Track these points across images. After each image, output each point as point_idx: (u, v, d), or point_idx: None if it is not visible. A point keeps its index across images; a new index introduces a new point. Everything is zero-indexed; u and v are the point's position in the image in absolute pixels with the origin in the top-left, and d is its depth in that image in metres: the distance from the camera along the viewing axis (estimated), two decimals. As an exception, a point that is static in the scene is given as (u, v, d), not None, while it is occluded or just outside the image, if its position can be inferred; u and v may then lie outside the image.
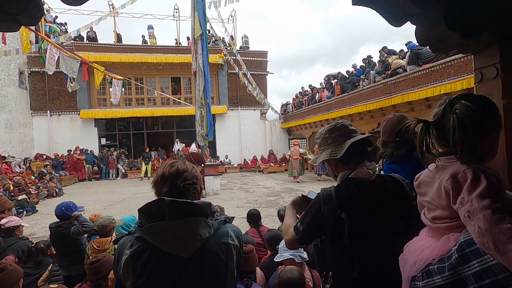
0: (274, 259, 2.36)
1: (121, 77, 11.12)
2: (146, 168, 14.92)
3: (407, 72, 8.21)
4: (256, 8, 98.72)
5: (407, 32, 1.66)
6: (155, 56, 16.57)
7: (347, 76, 13.13)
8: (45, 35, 11.32)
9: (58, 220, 3.12)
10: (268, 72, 19.51)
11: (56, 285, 2.50)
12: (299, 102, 17.91)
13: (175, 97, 16.49)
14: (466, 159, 0.88)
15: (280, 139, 19.47)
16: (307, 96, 17.05)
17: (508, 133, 1.21)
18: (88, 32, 16.25)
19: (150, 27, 18.29)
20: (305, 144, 17.45)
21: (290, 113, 18.65)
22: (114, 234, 3.07)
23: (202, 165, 9.48)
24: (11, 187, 9.08)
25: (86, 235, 3.24)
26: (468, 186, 0.83)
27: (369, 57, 12.04)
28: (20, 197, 8.28)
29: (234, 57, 16.36)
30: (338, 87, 13.00)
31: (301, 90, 18.73)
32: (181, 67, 17.14)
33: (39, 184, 10.51)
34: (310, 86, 17.52)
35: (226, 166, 16.84)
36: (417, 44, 6.91)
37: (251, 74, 16.48)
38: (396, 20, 1.47)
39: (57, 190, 10.87)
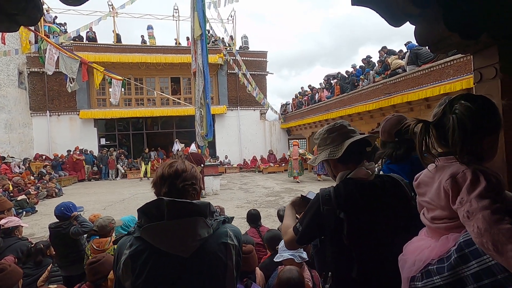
0: (274, 259, 2.36)
1: (120, 77, 11.12)
2: (146, 169, 14.91)
3: (406, 72, 8.21)
4: (255, 8, 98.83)
5: (407, 32, 1.66)
6: (154, 56, 16.57)
7: (347, 76, 13.14)
8: (44, 35, 11.32)
9: (57, 220, 3.12)
10: (267, 72, 19.52)
11: (55, 286, 2.50)
12: (298, 102, 17.92)
13: (174, 97, 16.48)
14: (465, 159, 0.88)
15: (280, 139, 19.48)
16: (306, 96, 17.06)
17: (507, 134, 1.21)
18: (87, 32, 16.24)
19: (149, 27, 18.29)
20: (305, 144, 17.46)
21: (290, 113, 18.66)
22: (113, 234, 3.07)
23: (202, 165, 9.48)
24: (11, 188, 9.08)
25: (85, 235, 3.24)
26: (467, 187, 0.83)
27: (368, 57, 12.05)
28: (19, 198, 8.27)
29: (234, 57, 16.37)
30: (337, 87, 13.01)
31: (300, 90, 18.75)
32: (181, 67, 17.14)
33: (39, 184, 10.50)
34: (309, 86, 17.53)
35: (226, 166, 16.84)
36: (416, 44, 6.92)
37: (250, 74, 16.50)
38: (395, 20, 1.47)
39: (56, 190, 10.86)
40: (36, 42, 11.51)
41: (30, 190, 9.37)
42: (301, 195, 1.51)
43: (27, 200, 8.38)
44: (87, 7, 18.70)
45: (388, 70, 9.56)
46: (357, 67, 12.65)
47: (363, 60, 12.27)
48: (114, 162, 15.57)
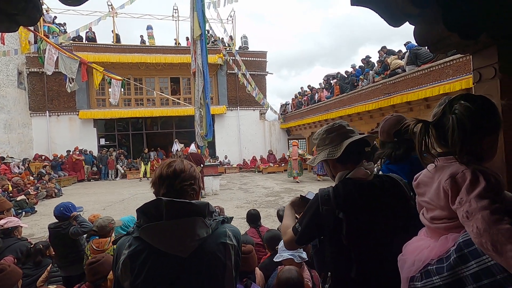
0: (274, 259, 2.36)
1: (120, 78, 11.11)
2: (145, 169, 14.91)
3: (406, 72, 8.22)
4: (255, 8, 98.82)
5: (407, 32, 1.66)
6: (154, 56, 16.57)
7: (346, 76, 13.15)
8: (44, 35, 11.31)
9: (57, 220, 3.12)
10: (267, 72, 19.53)
11: (55, 286, 2.50)
12: (298, 102, 17.93)
13: (174, 98, 16.47)
14: (465, 159, 0.88)
15: (280, 139, 19.48)
16: (306, 96, 17.07)
17: (506, 134, 1.21)
18: (87, 32, 16.23)
19: (149, 28, 18.28)
20: (305, 144, 17.47)
21: (290, 113, 18.66)
22: (113, 234, 3.06)
23: (202, 165, 9.48)
24: (10, 188, 9.07)
25: (85, 235, 3.24)
26: (466, 187, 0.83)
27: (368, 57, 12.06)
28: (19, 198, 8.26)
29: (233, 57, 16.37)
30: (337, 87, 13.02)
31: (300, 90, 18.76)
32: (180, 67, 17.14)
33: (38, 184, 10.49)
34: (309, 86, 17.55)
35: (226, 166, 16.84)
36: (416, 44, 6.92)
37: (250, 74, 16.50)
38: (394, 20, 1.47)
39: (56, 190, 10.85)
40: (35, 42, 11.50)
41: (29, 190, 9.37)
42: (300, 195, 1.51)
43: (27, 201, 8.37)
44: (86, 7, 18.73)
45: (388, 70, 9.57)
46: (357, 67, 12.66)
47: (362, 60, 12.28)
48: (113, 162, 15.57)
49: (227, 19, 18.64)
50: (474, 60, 1.45)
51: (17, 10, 1.26)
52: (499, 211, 0.74)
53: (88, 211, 6.40)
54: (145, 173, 14.89)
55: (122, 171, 15.75)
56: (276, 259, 2.31)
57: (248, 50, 19.27)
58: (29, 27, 8.83)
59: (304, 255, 2.27)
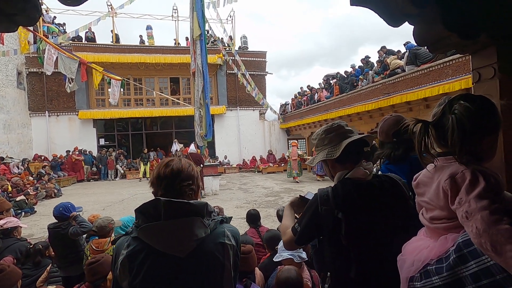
0: (273, 259, 2.36)
1: (119, 78, 11.11)
2: (145, 169, 14.90)
3: (405, 72, 8.22)
4: (255, 8, 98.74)
5: (407, 32, 1.66)
6: (153, 56, 16.57)
7: (346, 76, 13.16)
8: (43, 35, 11.30)
9: (56, 221, 3.12)
10: (267, 72, 19.53)
11: (54, 286, 2.50)
12: (298, 102, 17.94)
13: (174, 98, 16.46)
14: (464, 159, 0.88)
15: (279, 139, 19.49)
16: (306, 96, 17.08)
17: (506, 134, 1.21)
18: (86, 32, 16.22)
19: (148, 28, 18.27)
20: (304, 144, 17.47)
21: (289, 113, 18.67)
22: (113, 235, 3.06)
23: (201, 165, 9.48)
24: (10, 188, 9.06)
25: (84, 236, 3.24)
26: (466, 187, 0.83)
27: (367, 57, 12.08)
28: (18, 198, 8.25)
29: (233, 58, 16.37)
30: (336, 87, 13.02)
31: (300, 90, 18.77)
32: (180, 67, 17.14)
33: (38, 185, 10.48)
34: (308, 86, 17.56)
35: (225, 166, 16.84)
36: (415, 44, 6.93)
37: (250, 74, 16.49)
38: (394, 20, 1.47)
39: (55, 191, 10.85)
40: (35, 42, 11.49)
41: (29, 190, 9.36)
42: (300, 195, 1.51)
43: (26, 201, 8.36)
44: (86, 7, 18.73)
45: (387, 70, 9.57)
46: (356, 67, 12.67)
47: (362, 60, 12.29)
48: (113, 163, 15.56)
49: (227, 19, 18.65)
50: (473, 60, 1.45)
51: (16, 10, 1.26)
52: (499, 212, 0.74)
53: (88, 211, 6.39)
54: (144, 173, 14.88)
55: (122, 171, 15.74)
56: (276, 259, 2.31)
57: (248, 50, 19.27)
58: (29, 27, 8.82)
59: (304, 255, 2.27)
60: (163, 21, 20.29)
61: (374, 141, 1.53)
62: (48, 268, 3.02)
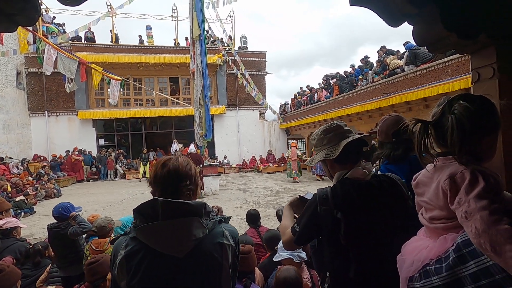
0: (273, 259, 2.36)
1: (119, 78, 11.11)
2: (144, 169, 14.88)
3: (405, 72, 8.23)
4: (254, 8, 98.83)
5: (406, 32, 1.66)
6: (153, 56, 16.56)
7: (345, 76, 13.16)
8: (42, 35, 11.30)
9: (56, 221, 3.11)
10: (266, 72, 19.53)
11: (54, 286, 2.50)
12: (297, 102, 17.94)
13: (173, 98, 16.46)
14: (464, 159, 0.88)
15: (279, 139, 19.49)
16: (305, 96, 17.09)
17: (505, 134, 1.21)
18: (86, 32, 16.21)
19: (148, 28, 18.26)
20: (304, 144, 17.48)
21: (289, 113, 18.68)
22: (112, 235, 3.06)
23: (201, 165, 9.48)
24: (9, 188, 9.05)
25: (84, 236, 3.24)
26: (465, 187, 0.83)
27: (366, 57, 12.08)
28: (18, 198, 8.24)
29: (233, 58, 16.37)
30: (336, 87, 13.03)
31: (299, 90, 18.77)
32: (180, 67, 17.13)
33: (37, 185, 10.47)
34: (308, 86, 17.56)
35: (225, 166, 16.83)
36: (415, 44, 6.93)
37: (249, 74, 16.50)
38: (393, 20, 1.47)
39: (55, 191, 10.84)
40: (34, 42, 11.49)
41: (28, 190, 9.34)
42: (299, 195, 1.51)
43: (26, 201, 8.35)
44: (85, 7, 18.72)
45: (387, 70, 9.58)
46: (356, 67, 12.66)
47: (361, 60, 12.29)
48: (112, 163, 15.55)
49: (226, 19, 18.65)
50: (472, 60, 1.46)
51: (15, 10, 1.26)
52: (498, 212, 0.74)
53: (87, 212, 6.39)
54: (144, 173, 14.85)
55: (121, 171, 15.73)
56: (276, 259, 2.31)
57: (248, 50, 19.27)
58: (28, 27, 8.81)
59: (304, 255, 2.27)
60: (162, 21, 20.23)
61: (373, 141, 1.53)
62: (47, 268, 3.01)
